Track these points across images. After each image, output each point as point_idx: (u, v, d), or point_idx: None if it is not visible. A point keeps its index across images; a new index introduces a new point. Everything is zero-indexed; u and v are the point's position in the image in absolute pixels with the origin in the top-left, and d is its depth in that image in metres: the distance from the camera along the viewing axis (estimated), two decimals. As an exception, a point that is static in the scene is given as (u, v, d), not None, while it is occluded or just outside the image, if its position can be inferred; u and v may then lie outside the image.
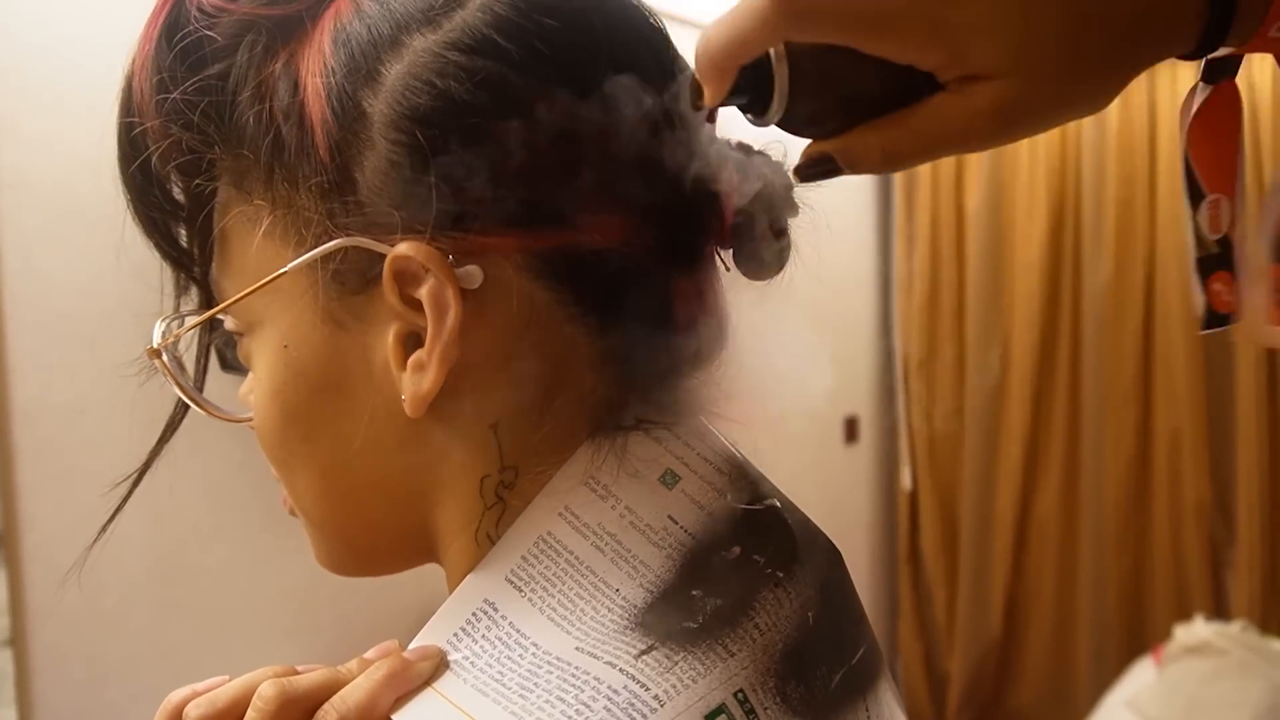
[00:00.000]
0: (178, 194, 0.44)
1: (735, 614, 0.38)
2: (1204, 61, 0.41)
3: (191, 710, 0.38)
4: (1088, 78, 0.37)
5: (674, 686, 0.35)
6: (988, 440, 2.96)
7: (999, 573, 2.95)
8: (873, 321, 3.15)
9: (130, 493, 0.49)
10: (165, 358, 0.45)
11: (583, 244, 0.40)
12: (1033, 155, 2.86)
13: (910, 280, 3.10)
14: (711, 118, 0.41)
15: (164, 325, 0.46)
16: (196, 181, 0.42)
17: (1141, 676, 2.32)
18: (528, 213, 0.39)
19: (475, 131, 0.38)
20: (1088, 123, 2.77)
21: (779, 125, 0.41)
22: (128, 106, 0.43)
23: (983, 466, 2.97)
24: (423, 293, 0.38)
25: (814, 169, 0.41)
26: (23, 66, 1.32)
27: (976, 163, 2.95)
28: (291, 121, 0.39)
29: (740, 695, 0.36)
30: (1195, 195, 0.43)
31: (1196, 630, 2.24)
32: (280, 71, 0.40)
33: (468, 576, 0.41)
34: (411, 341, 0.40)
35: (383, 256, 0.38)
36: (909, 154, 0.39)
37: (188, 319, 0.45)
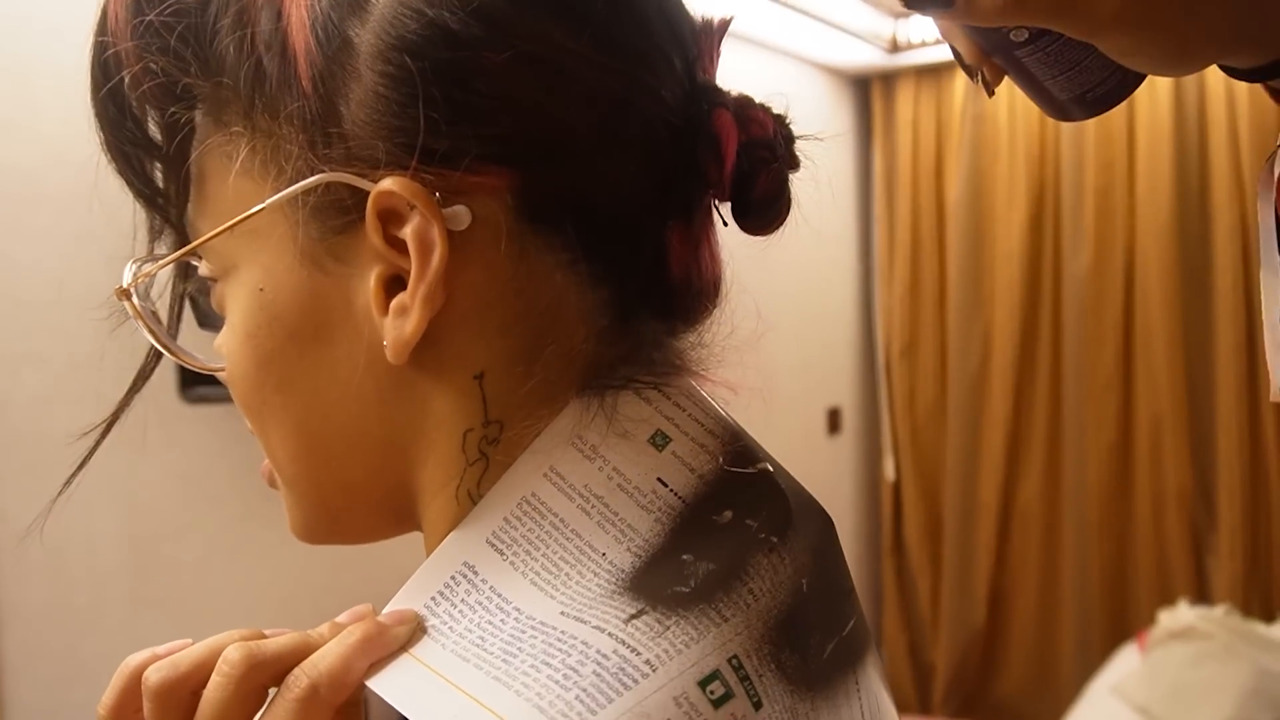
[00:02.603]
0: (153, 128, 0.42)
1: (728, 579, 0.36)
2: None
3: (151, 674, 0.36)
4: (1187, 19, 0.38)
5: (665, 651, 0.34)
6: (970, 429, 2.96)
7: (983, 562, 2.95)
8: (854, 312, 3.15)
9: (98, 444, 0.46)
10: (136, 301, 0.43)
11: (577, 186, 0.38)
12: (1012, 144, 2.86)
13: (891, 271, 3.09)
14: None
15: (135, 267, 0.43)
16: (172, 110, 0.40)
17: (1126, 662, 2.32)
18: (519, 151, 0.37)
19: (466, 63, 0.36)
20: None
21: None
22: (102, 31, 0.41)
23: (965, 456, 2.97)
24: (407, 231, 0.36)
25: None
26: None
27: (956, 152, 2.95)
28: (273, 51, 0.37)
29: (734, 661, 0.34)
30: None
31: (1180, 615, 2.25)
32: (263, 1, 0.38)
33: (447, 538, 0.39)
34: (394, 285, 0.38)
35: (366, 194, 0.37)
36: (1035, 4, 0.37)
37: (160, 261, 0.43)
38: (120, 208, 0.47)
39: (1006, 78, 0.46)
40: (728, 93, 0.41)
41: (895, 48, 2.86)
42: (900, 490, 3.12)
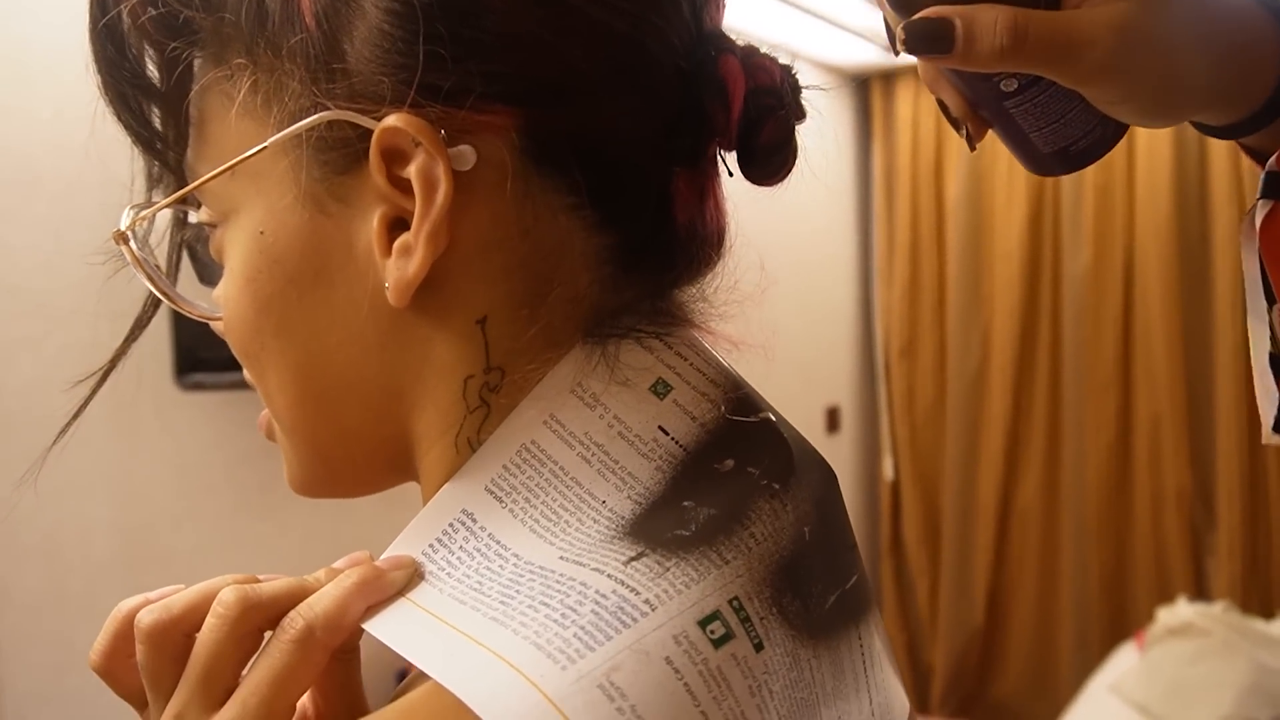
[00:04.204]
0: (151, 69, 0.41)
1: (729, 523, 0.36)
2: (1264, 175, 0.46)
3: (144, 616, 0.36)
4: (1168, 68, 0.41)
5: (665, 591, 0.33)
6: (969, 429, 2.96)
7: (981, 562, 2.94)
8: (854, 311, 3.14)
9: (94, 393, 0.46)
10: (134, 247, 0.42)
11: (583, 127, 0.37)
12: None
13: (891, 270, 3.09)
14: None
15: (133, 213, 0.43)
16: (173, 46, 0.40)
17: (1124, 661, 2.31)
18: (525, 89, 0.37)
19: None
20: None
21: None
22: None
23: (964, 455, 2.97)
24: (411, 170, 0.36)
25: (927, 34, 0.40)
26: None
27: (956, 151, 2.95)
28: None
29: (735, 603, 0.34)
30: (1270, 298, 0.47)
31: (1179, 611, 2.24)
32: None
33: (445, 485, 0.39)
34: (398, 227, 0.37)
35: (369, 132, 0.36)
36: (1034, 42, 0.39)
37: (157, 204, 0.43)
38: (114, 189, 0.47)
39: (990, 132, 0.48)
40: (734, 40, 0.41)
41: (895, 46, 2.86)
42: (899, 490, 3.11)
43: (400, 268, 0.37)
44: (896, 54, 0.43)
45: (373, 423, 0.41)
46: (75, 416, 0.47)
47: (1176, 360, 2.67)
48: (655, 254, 0.40)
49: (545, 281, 0.39)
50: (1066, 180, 2.78)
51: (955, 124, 0.48)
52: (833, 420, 3.00)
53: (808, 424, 2.86)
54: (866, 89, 3.11)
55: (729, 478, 0.38)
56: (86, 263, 0.44)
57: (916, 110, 3.02)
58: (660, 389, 0.39)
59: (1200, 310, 2.67)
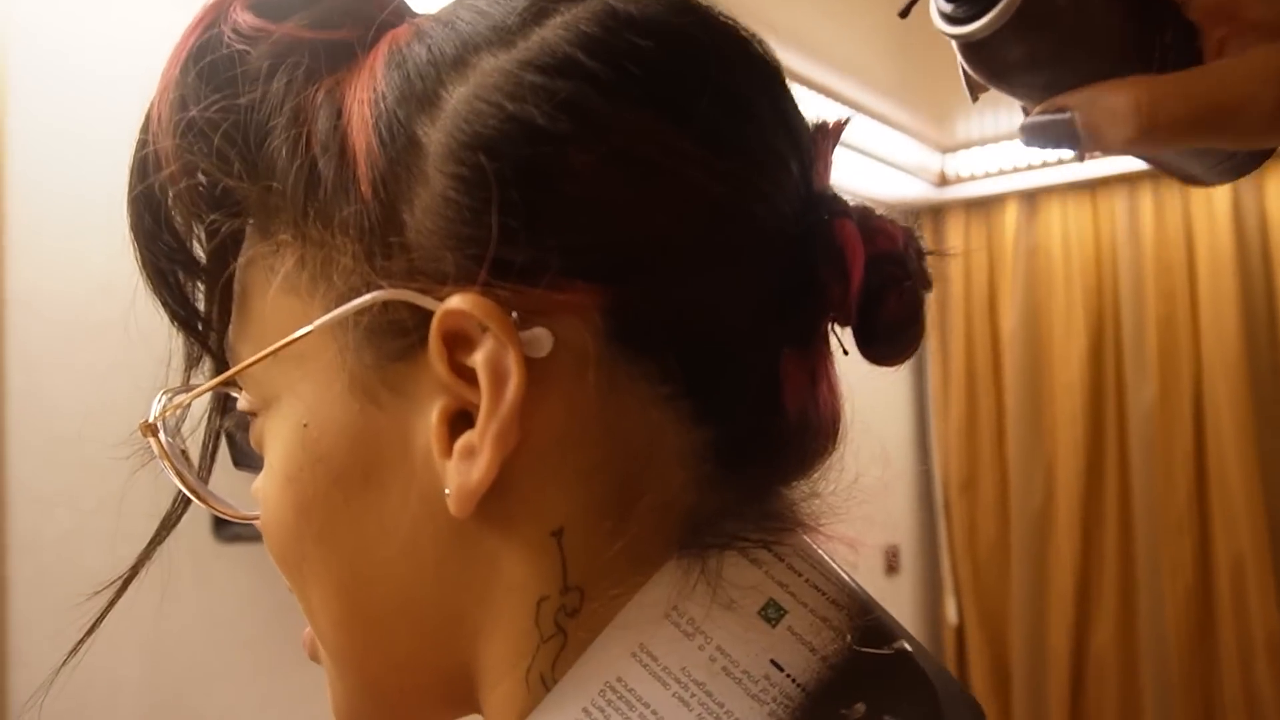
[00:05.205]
0: (195, 244, 0.37)
1: None
2: None
3: None
4: None
5: None
6: (1036, 569, 2.82)
7: (1056, 715, 2.76)
8: (909, 447, 3.05)
9: (118, 596, 0.41)
10: (162, 436, 0.37)
11: (678, 306, 0.32)
12: (1067, 275, 2.81)
13: (947, 403, 3.01)
14: (905, 11, 0.34)
15: (164, 399, 0.38)
16: (213, 219, 0.35)
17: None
18: (611, 264, 0.31)
19: (550, 162, 0.31)
20: (1123, 239, 2.72)
21: (976, 58, 0.33)
22: (144, 130, 0.36)
23: (1032, 598, 2.82)
24: (477, 358, 0.31)
25: (1047, 127, 0.33)
26: (41, 178, 1.28)
27: (1010, 283, 2.90)
28: (330, 153, 0.33)
29: None
30: None
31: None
32: (322, 99, 0.33)
33: None
34: (461, 423, 0.32)
35: (430, 314, 0.31)
36: (1170, 120, 0.32)
37: (193, 391, 0.38)
38: (156, 334, 0.43)
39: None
40: (847, 201, 0.35)
41: (944, 181, 2.86)
42: (963, 634, 2.96)
43: (463, 472, 0.31)
44: (974, 100, 0.37)
45: (429, 651, 0.35)
46: (99, 620, 0.44)
47: (1255, 496, 2.54)
48: (762, 449, 0.34)
49: (632, 486, 0.33)
50: (1127, 311, 2.71)
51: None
52: (892, 561, 2.87)
53: (866, 565, 2.73)
54: (915, 223, 3.10)
55: None
56: (109, 458, 0.39)
57: (967, 241, 2.99)
58: (771, 613, 0.33)
59: (1277, 443, 2.55)
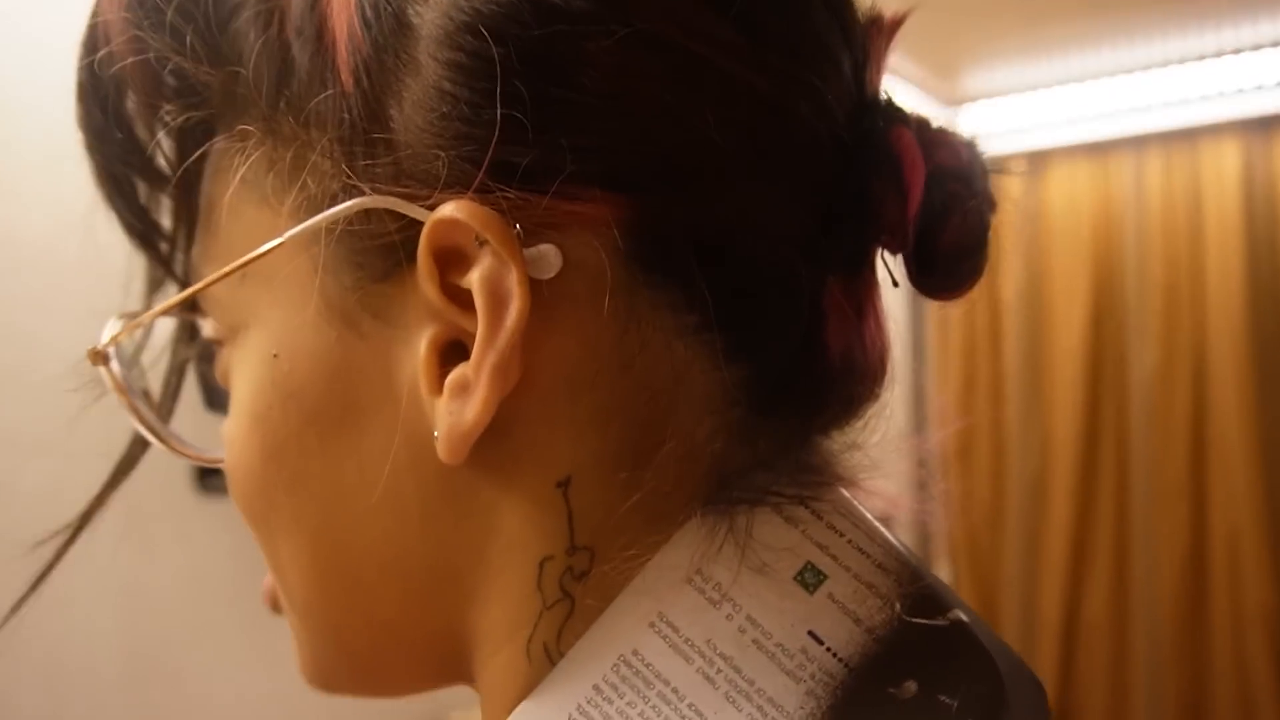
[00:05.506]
0: (154, 145, 0.32)
1: None
2: None
3: None
4: None
5: None
6: (1030, 536, 2.81)
7: (1046, 680, 2.74)
8: (908, 410, 3.03)
9: (68, 545, 0.38)
10: (115, 368, 0.33)
11: (711, 222, 0.27)
12: (1071, 240, 2.76)
13: (946, 368, 2.98)
14: None
15: (117, 324, 0.34)
16: (167, 110, 0.30)
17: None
18: (634, 169, 0.27)
19: (566, 46, 0.26)
20: (1129, 203, 2.68)
21: None
22: (94, 9, 0.32)
23: (1025, 564, 2.82)
24: (474, 278, 0.26)
25: None
26: (13, 110, 1.23)
27: (1011, 247, 2.86)
28: (305, 36, 0.28)
29: None
30: None
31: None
32: None
33: (516, 711, 0.28)
34: (454, 354, 0.28)
35: (419, 225, 0.27)
36: None
37: (144, 314, 0.33)
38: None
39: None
40: (904, 109, 0.31)
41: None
42: (955, 599, 2.95)
43: (455, 411, 0.27)
44: None
45: (415, 612, 0.31)
46: (47, 571, 0.40)
47: (1254, 467, 2.52)
48: (801, 392, 0.30)
49: (653, 431, 0.28)
50: (1131, 277, 2.68)
51: None
52: (885, 524, 2.86)
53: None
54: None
55: (912, 712, 0.27)
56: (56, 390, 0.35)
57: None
58: (810, 578, 0.29)
59: (1278, 414, 2.52)
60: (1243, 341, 2.53)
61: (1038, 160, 2.83)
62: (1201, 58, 2.37)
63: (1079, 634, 2.75)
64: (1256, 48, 2.33)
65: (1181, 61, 2.40)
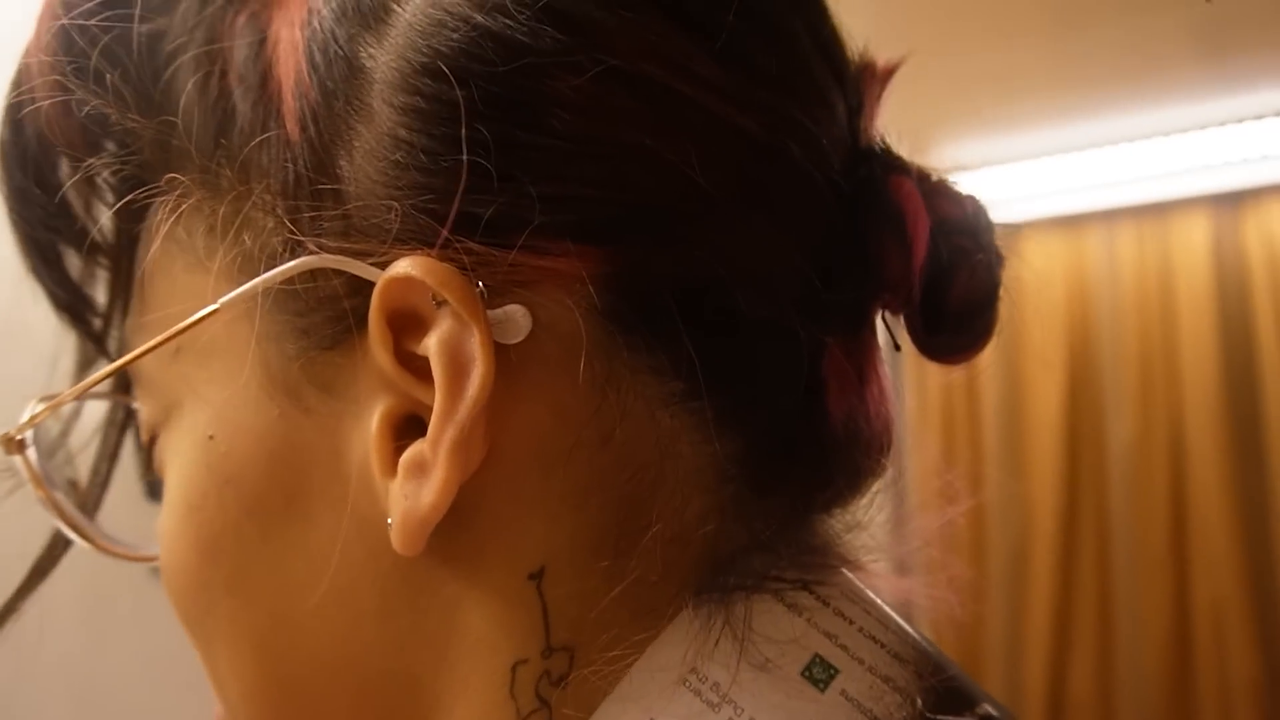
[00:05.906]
0: (74, 199, 0.30)
1: None
2: None
3: None
4: None
5: None
6: (1012, 609, 2.78)
7: (1033, 760, 2.70)
8: (885, 482, 3.01)
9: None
10: (33, 457, 0.30)
11: (697, 274, 0.25)
12: (1049, 311, 2.78)
13: (922, 439, 2.97)
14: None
15: (37, 407, 0.31)
16: (93, 163, 0.28)
17: None
18: (608, 219, 0.24)
19: (532, 86, 0.24)
20: (1102, 276, 2.71)
21: None
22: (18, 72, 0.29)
23: (1007, 638, 2.78)
24: (430, 343, 0.24)
25: None
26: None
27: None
28: (248, 84, 0.26)
29: None
30: None
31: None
32: (243, 23, 0.26)
33: None
34: (410, 430, 0.25)
35: (371, 285, 0.24)
36: None
37: (64, 394, 0.30)
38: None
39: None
40: (902, 158, 0.29)
41: (922, 212, 2.84)
42: (938, 676, 2.90)
43: (410, 495, 0.24)
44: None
45: None
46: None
47: (1235, 538, 2.51)
48: (801, 466, 0.27)
49: (637, 513, 0.26)
50: (1105, 348, 2.69)
51: None
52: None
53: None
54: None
55: None
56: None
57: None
58: (819, 673, 0.26)
59: (1258, 486, 2.52)
60: (1218, 412, 2.54)
61: (1010, 233, 2.85)
62: (1169, 133, 2.41)
63: (1065, 707, 2.71)
64: (1223, 124, 2.37)
65: (1151, 137, 2.44)
